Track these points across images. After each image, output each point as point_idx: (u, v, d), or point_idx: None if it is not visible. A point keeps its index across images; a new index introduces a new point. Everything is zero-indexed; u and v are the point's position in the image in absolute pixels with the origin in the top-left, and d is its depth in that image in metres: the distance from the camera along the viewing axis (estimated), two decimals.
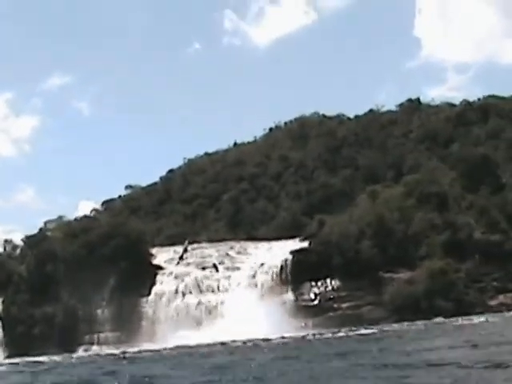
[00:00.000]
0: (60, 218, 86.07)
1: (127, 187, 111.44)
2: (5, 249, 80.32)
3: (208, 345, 45.80)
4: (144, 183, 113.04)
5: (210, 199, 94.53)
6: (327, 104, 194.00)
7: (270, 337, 46.50)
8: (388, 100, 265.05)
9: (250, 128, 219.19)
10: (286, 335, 48.23)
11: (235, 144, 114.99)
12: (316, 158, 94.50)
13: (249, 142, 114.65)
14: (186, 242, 73.12)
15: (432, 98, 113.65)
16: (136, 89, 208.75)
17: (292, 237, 69.56)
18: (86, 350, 60.76)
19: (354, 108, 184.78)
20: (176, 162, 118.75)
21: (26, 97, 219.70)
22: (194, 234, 79.60)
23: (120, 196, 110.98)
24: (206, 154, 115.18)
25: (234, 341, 46.18)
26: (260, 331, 49.89)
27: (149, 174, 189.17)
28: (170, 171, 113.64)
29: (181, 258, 69.28)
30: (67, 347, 59.56)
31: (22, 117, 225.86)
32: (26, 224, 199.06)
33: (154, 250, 70.11)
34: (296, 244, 66.02)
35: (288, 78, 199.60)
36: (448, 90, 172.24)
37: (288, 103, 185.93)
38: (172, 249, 72.18)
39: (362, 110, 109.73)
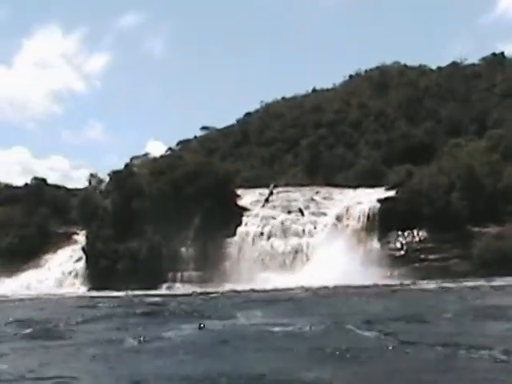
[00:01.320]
0: (146, 155, 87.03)
1: (203, 128, 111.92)
2: (90, 183, 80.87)
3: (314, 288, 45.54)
4: (218, 126, 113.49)
5: (288, 144, 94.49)
6: (405, 54, 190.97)
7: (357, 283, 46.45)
8: (462, 53, 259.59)
9: (329, 75, 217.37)
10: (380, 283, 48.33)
11: (314, 90, 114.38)
12: (397, 108, 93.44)
13: (327, 89, 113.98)
14: (272, 185, 73.12)
15: None
16: (211, 31, 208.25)
17: (372, 185, 69.11)
18: (168, 288, 61.15)
19: (429, 59, 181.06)
20: (252, 106, 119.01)
21: (99, 34, 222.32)
22: (271, 178, 79.38)
23: (195, 137, 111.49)
24: (284, 98, 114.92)
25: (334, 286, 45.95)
26: (345, 278, 49.79)
27: (223, 117, 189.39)
28: (247, 114, 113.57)
29: (266, 200, 69.36)
30: (150, 283, 59.69)
31: (94, 53, 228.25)
32: (94, 160, 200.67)
33: (239, 191, 70.19)
34: (382, 192, 65.42)
35: (365, 26, 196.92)
36: None
37: (366, 51, 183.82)
38: (257, 191, 72.07)
39: (439, 62, 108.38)
